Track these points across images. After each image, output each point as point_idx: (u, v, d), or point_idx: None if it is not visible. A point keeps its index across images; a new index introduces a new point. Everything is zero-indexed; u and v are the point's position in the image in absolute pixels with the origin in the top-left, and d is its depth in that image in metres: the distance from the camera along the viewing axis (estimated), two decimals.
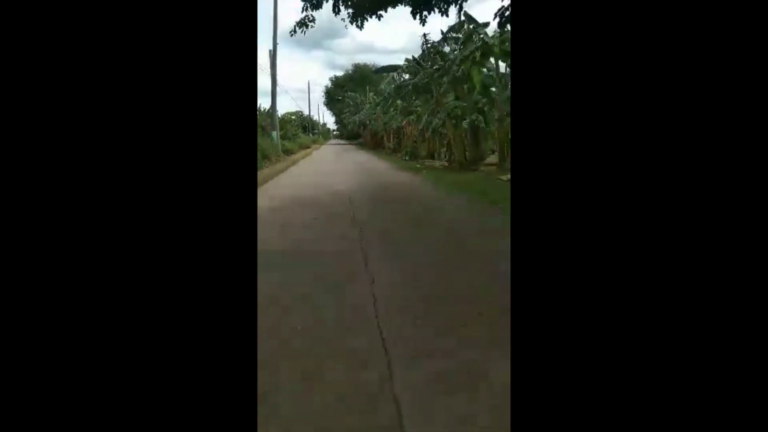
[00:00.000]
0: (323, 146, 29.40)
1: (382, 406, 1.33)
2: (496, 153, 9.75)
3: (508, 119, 8.99)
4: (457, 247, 3.14)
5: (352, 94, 30.44)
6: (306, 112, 40.78)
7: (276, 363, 1.58)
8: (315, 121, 47.78)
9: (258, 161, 9.57)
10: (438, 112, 10.66)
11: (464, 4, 6.42)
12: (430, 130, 11.43)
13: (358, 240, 3.41)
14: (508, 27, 5.65)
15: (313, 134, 38.27)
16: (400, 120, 15.68)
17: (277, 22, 15.60)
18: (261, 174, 8.19)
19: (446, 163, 10.99)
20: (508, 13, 5.07)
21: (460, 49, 9.35)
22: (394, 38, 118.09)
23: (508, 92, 8.91)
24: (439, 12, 5.48)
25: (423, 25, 5.82)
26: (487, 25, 8.70)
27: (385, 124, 18.76)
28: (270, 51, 16.13)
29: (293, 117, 27.69)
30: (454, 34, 9.46)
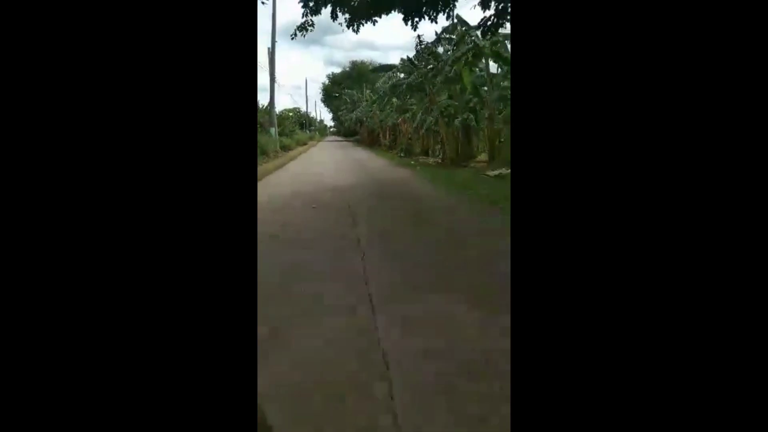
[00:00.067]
0: (320, 143, 29.56)
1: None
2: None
3: (499, 116, 9.44)
4: (430, 224, 3.94)
5: (350, 91, 30.54)
6: (303, 109, 41.05)
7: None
8: (312, 117, 47.98)
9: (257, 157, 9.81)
10: (432, 110, 11.08)
11: (456, 7, 6.83)
12: (425, 127, 11.85)
13: (353, 227, 3.84)
14: (502, 31, 6.09)
15: (310, 131, 38.43)
16: (395, 117, 16.05)
17: (275, 22, 15.97)
18: (260, 169, 8.46)
19: (440, 160, 11.38)
20: (489, 23, 5.51)
21: (453, 50, 9.76)
22: (394, 35, 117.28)
23: (498, 92, 9.37)
24: (428, 19, 5.91)
25: (414, 30, 6.24)
26: (478, 27, 9.09)
27: (381, 121, 19.12)
28: (269, 49, 16.51)
29: (291, 114, 27.80)
30: (447, 35, 9.85)
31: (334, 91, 40.62)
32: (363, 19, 6.12)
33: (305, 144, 23.39)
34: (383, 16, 6.08)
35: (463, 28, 9.29)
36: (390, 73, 14.53)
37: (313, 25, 6.37)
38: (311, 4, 6.05)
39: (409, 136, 14.91)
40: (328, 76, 47.58)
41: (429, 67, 10.80)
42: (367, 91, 24.45)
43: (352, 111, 28.09)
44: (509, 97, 9.12)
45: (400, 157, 13.80)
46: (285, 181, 7.64)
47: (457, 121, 10.60)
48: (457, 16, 9.32)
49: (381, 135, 20.43)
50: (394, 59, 13.27)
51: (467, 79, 9.39)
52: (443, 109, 10.78)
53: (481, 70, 9.73)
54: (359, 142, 27.24)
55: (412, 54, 11.20)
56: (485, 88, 9.59)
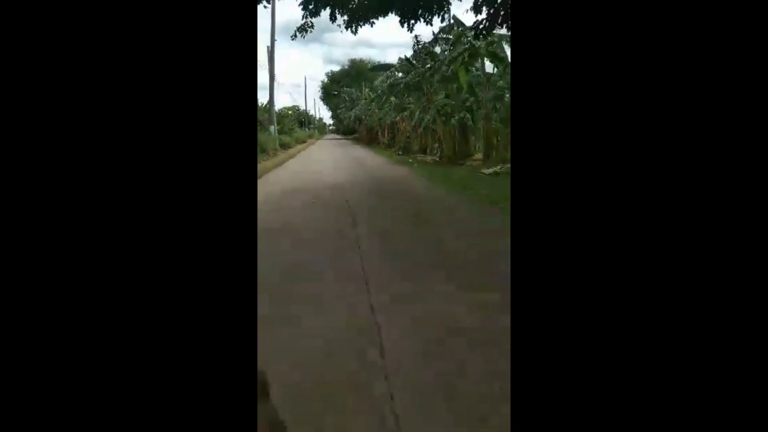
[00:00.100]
0: (319, 141, 29.70)
1: None
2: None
3: (495, 115, 9.61)
4: (426, 215, 4.23)
5: (349, 89, 30.51)
6: (302, 107, 41.12)
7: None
8: (311, 116, 48.04)
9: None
10: (429, 109, 11.25)
11: (450, 10, 7.01)
12: (422, 126, 12.01)
13: (353, 227, 4.03)
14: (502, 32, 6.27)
15: (309, 129, 38.49)
16: (394, 116, 16.20)
17: (275, 21, 16.13)
18: (259, 167, 8.61)
19: (437, 158, 11.56)
20: (481, 26, 5.68)
21: (449, 50, 9.93)
22: (392, 34, 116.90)
23: (494, 92, 9.55)
24: (424, 21, 6.09)
25: (410, 32, 6.43)
26: (472, 29, 9.25)
27: (379, 119, 19.28)
28: (268, 47, 16.68)
29: (290, 112, 27.87)
30: (444, 35, 10.01)
31: (333, 89, 40.53)
32: (361, 20, 6.30)
33: (304, 142, 23.52)
34: (380, 18, 6.27)
35: (460, 29, 9.46)
36: (388, 72, 14.68)
37: (312, 26, 6.56)
38: (311, 6, 6.22)
39: (407, 134, 15.07)
40: (327, 74, 47.71)
41: (426, 66, 10.98)
42: (366, 90, 24.45)
43: (351, 109, 28.18)
44: (505, 96, 9.33)
45: (398, 155, 13.97)
46: (284, 179, 7.78)
47: (453, 120, 10.78)
48: (454, 17, 9.50)
49: (379, 133, 20.60)
50: (392, 57, 13.44)
51: (464, 78, 9.57)
52: (440, 108, 10.95)
53: (477, 70, 9.91)
54: (358, 140, 27.38)
55: (409, 53, 11.39)
56: (481, 87, 9.78)
